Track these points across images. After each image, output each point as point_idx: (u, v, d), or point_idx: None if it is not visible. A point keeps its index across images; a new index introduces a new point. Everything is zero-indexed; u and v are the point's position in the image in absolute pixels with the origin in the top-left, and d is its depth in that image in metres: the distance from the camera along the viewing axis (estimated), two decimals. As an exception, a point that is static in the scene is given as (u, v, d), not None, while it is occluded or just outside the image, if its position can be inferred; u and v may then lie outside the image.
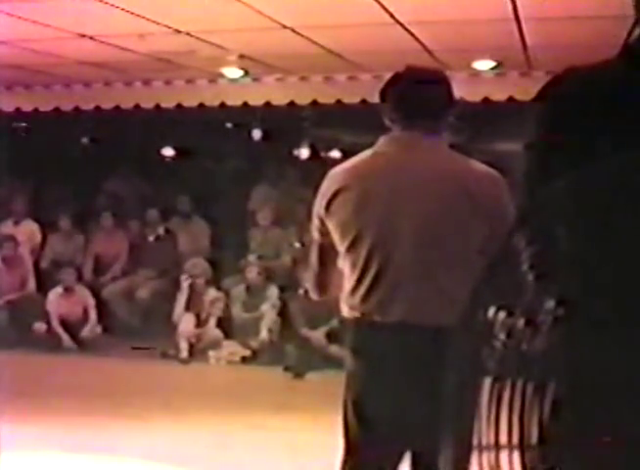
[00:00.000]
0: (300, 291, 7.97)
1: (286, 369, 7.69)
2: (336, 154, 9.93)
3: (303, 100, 8.35)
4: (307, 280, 3.09)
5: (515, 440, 1.87)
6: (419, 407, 2.49)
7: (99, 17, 5.65)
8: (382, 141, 2.84)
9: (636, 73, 1.56)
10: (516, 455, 1.88)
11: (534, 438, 1.74)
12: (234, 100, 8.44)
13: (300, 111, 8.98)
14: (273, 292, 8.55)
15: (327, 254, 2.91)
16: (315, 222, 2.92)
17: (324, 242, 2.90)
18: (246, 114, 9.01)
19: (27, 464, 5.04)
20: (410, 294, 2.68)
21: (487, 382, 1.88)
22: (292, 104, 8.38)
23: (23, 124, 10.31)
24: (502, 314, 1.92)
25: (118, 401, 6.41)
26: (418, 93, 2.79)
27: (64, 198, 10.30)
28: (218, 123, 10.02)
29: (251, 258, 8.86)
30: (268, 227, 9.43)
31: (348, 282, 2.82)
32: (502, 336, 1.96)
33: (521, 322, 1.84)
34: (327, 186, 2.87)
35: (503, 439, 1.90)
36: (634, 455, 1.58)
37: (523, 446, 1.83)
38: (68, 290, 8.91)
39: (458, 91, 2.88)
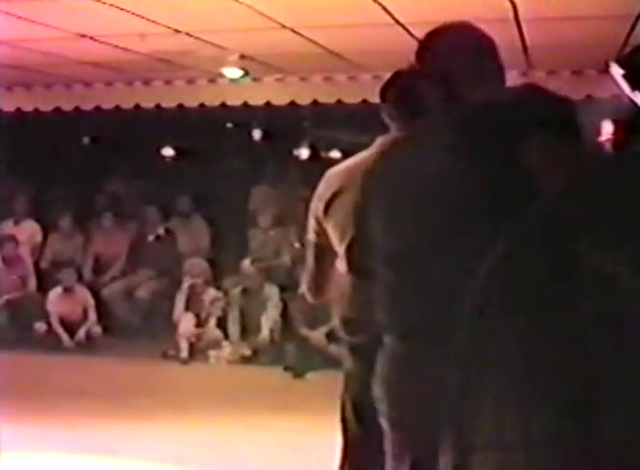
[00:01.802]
0: (300, 291, 7.96)
1: (286, 369, 7.69)
2: (336, 154, 9.92)
3: (303, 100, 8.34)
4: (304, 282, 3.08)
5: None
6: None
7: (99, 17, 5.65)
8: (379, 141, 2.84)
9: None
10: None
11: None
12: (234, 100, 8.44)
13: (300, 111, 8.98)
14: (274, 292, 8.55)
15: (324, 255, 2.91)
16: (312, 223, 2.91)
17: (321, 243, 2.90)
18: (246, 114, 9.01)
19: (27, 464, 5.04)
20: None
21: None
22: (292, 104, 8.37)
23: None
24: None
25: (119, 401, 6.41)
26: (418, 92, 2.78)
27: (64, 198, 10.30)
28: (218, 123, 10.02)
29: (252, 257, 8.86)
30: (268, 227, 9.43)
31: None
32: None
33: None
34: (324, 188, 2.87)
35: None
36: (632, 455, 1.58)
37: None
38: (67, 290, 8.91)
39: (458, 91, 2.87)
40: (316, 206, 2.88)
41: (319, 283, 2.99)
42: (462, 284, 2.07)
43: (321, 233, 2.88)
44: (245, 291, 8.64)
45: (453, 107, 2.28)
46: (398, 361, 2.18)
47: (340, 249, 2.81)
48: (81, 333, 8.78)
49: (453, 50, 2.35)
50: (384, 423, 2.25)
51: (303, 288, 3.09)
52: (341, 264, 2.84)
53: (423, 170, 2.24)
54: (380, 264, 2.26)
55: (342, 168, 2.88)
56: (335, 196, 2.81)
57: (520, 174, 2.02)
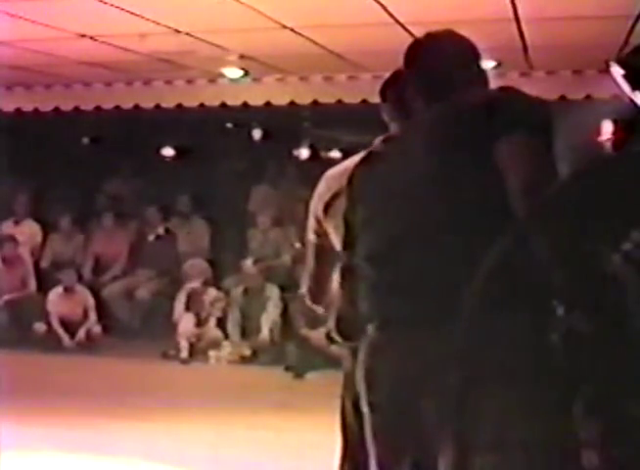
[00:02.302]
0: (301, 291, 7.95)
1: (286, 369, 7.69)
2: (336, 154, 9.92)
3: (303, 100, 8.35)
4: (304, 283, 3.07)
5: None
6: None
7: (99, 17, 5.65)
8: (379, 141, 2.83)
9: None
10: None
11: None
12: (234, 100, 8.44)
13: (300, 111, 8.98)
14: (274, 292, 8.55)
15: (324, 255, 2.90)
16: (312, 223, 2.91)
17: (321, 243, 2.89)
18: (246, 114, 9.01)
19: (28, 464, 5.04)
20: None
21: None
22: (292, 104, 8.38)
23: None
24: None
25: (119, 401, 6.40)
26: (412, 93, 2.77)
27: (64, 198, 10.29)
28: (218, 123, 10.02)
29: (252, 257, 8.86)
30: (268, 227, 9.43)
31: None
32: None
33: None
34: (324, 188, 2.86)
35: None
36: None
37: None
38: (68, 290, 8.91)
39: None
40: (316, 206, 2.88)
41: (319, 284, 2.98)
42: (441, 279, 2.11)
43: (321, 234, 2.88)
44: (245, 291, 8.64)
45: (436, 108, 2.32)
46: (376, 349, 2.27)
47: (340, 248, 2.81)
48: (81, 333, 8.78)
49: (442, 55, 2.41)
50: (364, 406, 2.32)
51: (303, 289, 3.08)
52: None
53: (404, 170, 2.27)
54: (363, 261, 2.33)
55: (341, 169, 2.88)
56: (335, 197, 2.80)
57: (491, 172, 2.06)
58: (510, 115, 2.12)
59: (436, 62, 2.40)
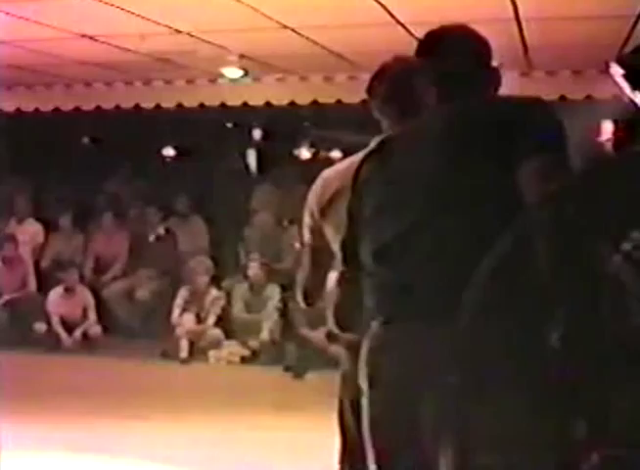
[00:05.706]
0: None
1: (286, 369, 7.69)
2: (336, 154, 9.93)
3: (303, 100, 8.35)
4: (298, 285, 3.05)
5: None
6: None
7: (99, 17, 5.66)
8: (385, 138, 2.82)
9: None
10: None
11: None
12: (234, 100, 8.44)
13: (300, 111, 8.98)
14: (275, 292, 8.55)
15: (319, 256, 2.89)
16: (307, 221, 2.90)
17: (316, 244, 2.89)
18: (246, 114, 9.01)
19: (28, 464, 5.03)
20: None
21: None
22: (292, 104, 8.38)
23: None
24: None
25: (118, 401, 6.41)
26: (408, 86, 2.69)
27: (64, 198, 10.30)
28: (218, 123, 10.02)
29: (252, 256, 8.86)
30: (269, 227, 9.43)
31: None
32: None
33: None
34: (321, 190, 2.85)
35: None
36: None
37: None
38: (68, 290, 8.91)
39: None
40: (312, 207, 2.87)
41: (314, 286, 2.97)
42: (445, 277, 2.11)
43: (317, 234, 2.87)
44: (245, 291, 8.64)
45: (447, 108, 2.29)
46: (379, 345, 2.27)
47: (337, 248, 2.81)
48: (77, 332, 8.75)
49: (452, 52, 2.34)
50: (364, 401, 2.32)
51: (297, 292, 3.06)
52: (336, 261, 2.84)
53: (413, 168, 2.26)
54: (369, 257, 2.32)
55: (338, 170, 2.87)
56: (332, 197, 2.79)
57: (507, 183, 2.04)
58: (533, 134, 2.08)
59: (452, 58, 2.33)
